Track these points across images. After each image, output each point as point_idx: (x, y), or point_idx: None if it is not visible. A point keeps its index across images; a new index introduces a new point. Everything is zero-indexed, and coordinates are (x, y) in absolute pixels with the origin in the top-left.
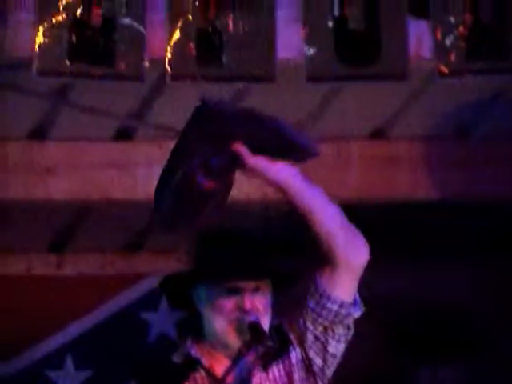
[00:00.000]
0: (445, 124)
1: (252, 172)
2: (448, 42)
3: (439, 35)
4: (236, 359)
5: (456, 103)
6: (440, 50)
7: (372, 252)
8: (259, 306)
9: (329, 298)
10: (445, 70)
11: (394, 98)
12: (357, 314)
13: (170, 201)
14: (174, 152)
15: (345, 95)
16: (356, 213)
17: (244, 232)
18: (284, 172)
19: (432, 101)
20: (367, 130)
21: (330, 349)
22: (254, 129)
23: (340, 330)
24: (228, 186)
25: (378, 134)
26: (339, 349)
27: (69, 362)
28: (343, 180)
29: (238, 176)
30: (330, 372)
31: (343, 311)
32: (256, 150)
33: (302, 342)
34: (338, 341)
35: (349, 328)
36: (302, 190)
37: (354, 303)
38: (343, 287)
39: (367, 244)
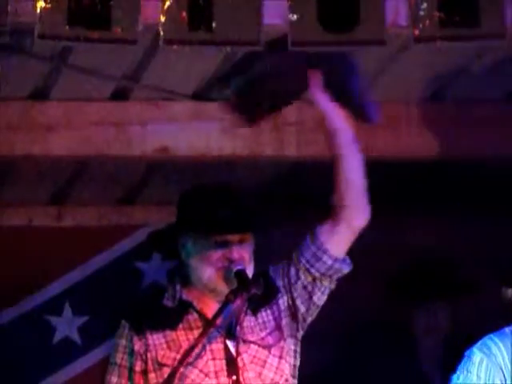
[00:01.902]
0: (421, 87)
1: (312, 98)
2: (422, 10)
3: (414, 4)
4: (224, 305)
5: (430, 68)
6: (415, 17)
7: None
8: (245, 255)
9: (325, 251)
10: (419, 36)
11: (372, 62)
12: (346, 270)
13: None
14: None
15: None
16: None
17: (227, 186)
18: (341, 113)
19: (408, 65)
20: None
21: (315, 298)
22: (336, 69)
23: (326, 283)
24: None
25: None
26: (322, 300)
27: (67, 308)
28: (322, 140)
29: (227, 133)
30: (309, 320)
31: (336, 266)
32: (328, 86)
33: (289, 291)
34: (323, 293)
35: (334, 282)
36: (350, 137)
37: (344, 260)
38: (340, 244)
39: (369, 208)
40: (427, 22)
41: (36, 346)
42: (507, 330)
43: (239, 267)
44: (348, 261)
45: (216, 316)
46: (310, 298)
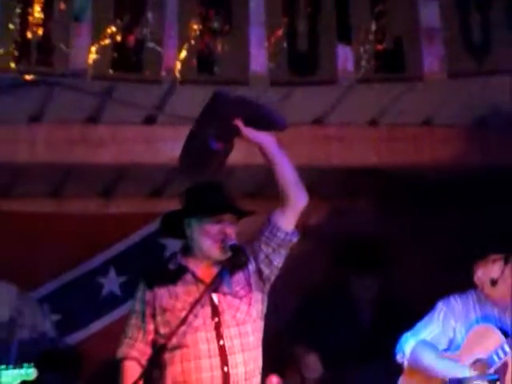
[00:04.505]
0: (363, 113)
1: (245, 138)
2: (363, 60)
3: (357, 54)
4: (221, 270)
5: (370, 101)
6: (358, 65)
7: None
8: (233, 233)
9: (278, 228)
10: (360, 79)
11: (328, 96)
12: (295, 240)
13: (191, 157)
14: (196, 124)
15: (295, 95)
16: (304, 175)
17: (219, 184)
18: (266, 138)
19: (355, 99)
20: (310, 118)
21: (275, 263)
22: (247, 109)
23: (283, 251)
24: (228, 150)
25: (317, 121)
26: (280, 262)
27: (112, 270)
28: (293, 152)
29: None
30: (272, 277)
31: (287, 238)
32: (247, 123)
33: (255, 258)
34: (280, 257)
35: (288, 248)
36: (276, 151)
37: (293, 233)
38: (288, 221)
39: (307, 195)
40: (366, 68)
41: (89, 298)
42: (469, 293)
43: (233, 242)
44: (296, 233)
45: (215, 278)
46: (271, 263)
